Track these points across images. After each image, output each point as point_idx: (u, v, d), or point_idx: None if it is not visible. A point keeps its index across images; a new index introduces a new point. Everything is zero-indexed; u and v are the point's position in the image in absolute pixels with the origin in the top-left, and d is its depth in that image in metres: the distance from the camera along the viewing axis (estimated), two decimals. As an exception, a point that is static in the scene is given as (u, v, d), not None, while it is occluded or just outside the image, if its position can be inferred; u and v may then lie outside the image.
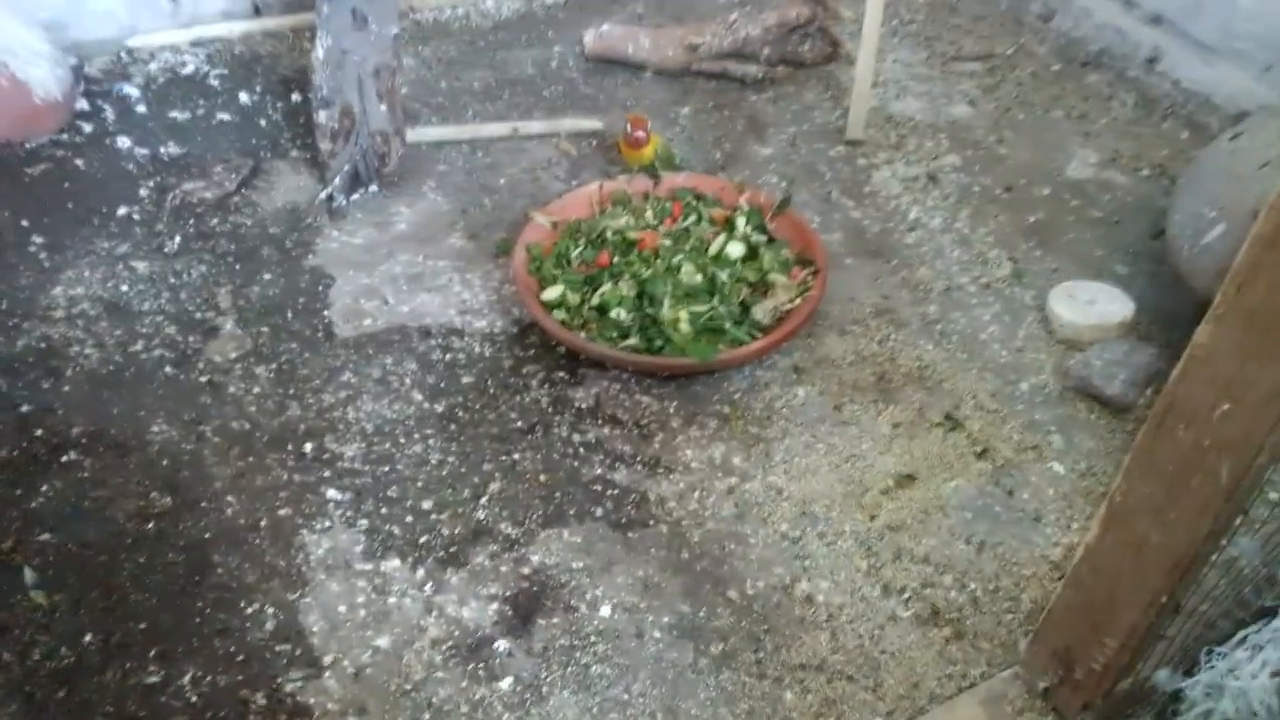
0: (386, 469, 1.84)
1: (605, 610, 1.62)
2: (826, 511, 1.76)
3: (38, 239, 2.31)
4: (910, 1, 3.24)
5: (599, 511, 1.77)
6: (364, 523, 1.75)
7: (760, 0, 3.23)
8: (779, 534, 1.73)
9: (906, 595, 1.63)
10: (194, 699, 1.51)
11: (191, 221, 2.37)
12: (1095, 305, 2.07)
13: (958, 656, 1.56)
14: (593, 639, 1.58)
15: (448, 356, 2.07)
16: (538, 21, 3.15)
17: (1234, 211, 1.82)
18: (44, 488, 1.79)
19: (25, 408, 1.93)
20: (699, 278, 2.05)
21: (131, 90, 2.79)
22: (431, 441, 1.90)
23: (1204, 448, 0.99)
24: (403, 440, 1.90)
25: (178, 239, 2.32)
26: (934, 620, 1.60)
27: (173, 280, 2.21)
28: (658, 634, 1.59)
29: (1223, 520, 1.02)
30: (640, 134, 2.34)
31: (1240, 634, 1.27)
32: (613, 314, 2.01)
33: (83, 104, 2.72)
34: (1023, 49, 3.00)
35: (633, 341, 1.98)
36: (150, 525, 1.74)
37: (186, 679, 1.53)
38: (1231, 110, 2.56)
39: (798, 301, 2.04)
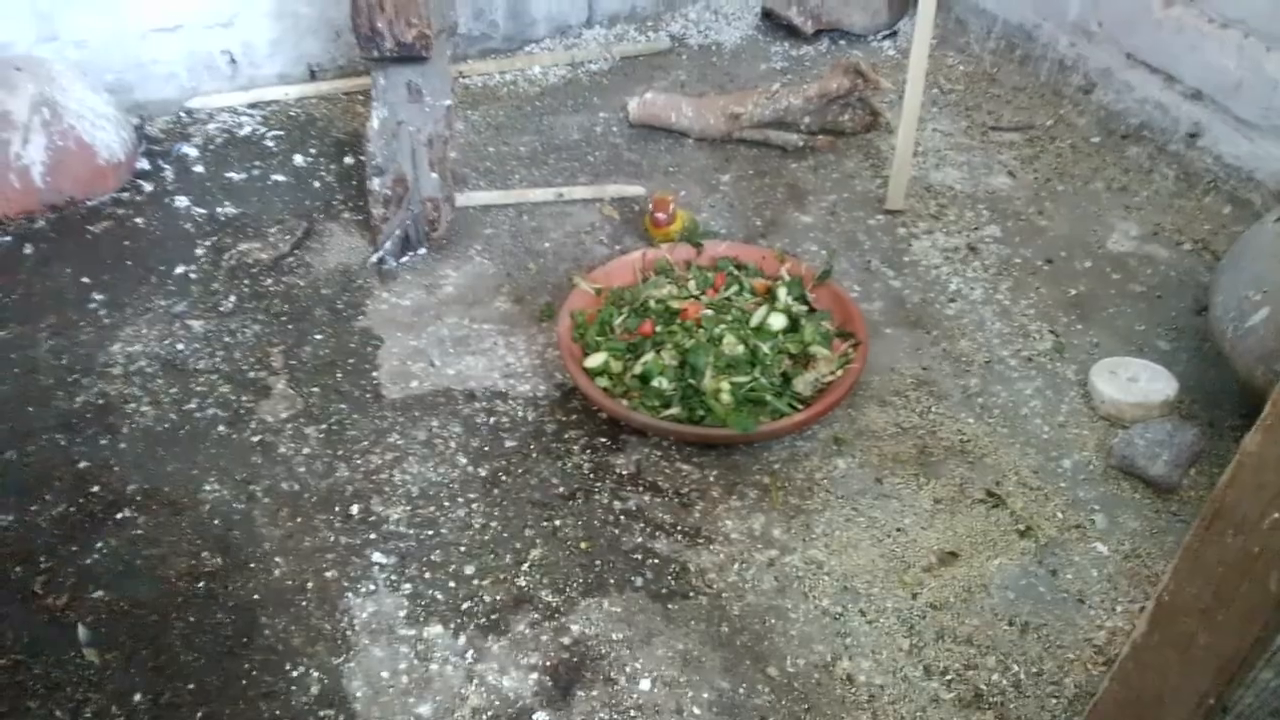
0: (430, 533, 1.87)
1: (645, 684, 1.63)
2: (868, 588, 1.77)
3: (98, 296, 2.39)
4: (950, 71, 3.28)
5: (639, 581, 1.79)
6: (408, 587, 1.78)
7: (802, 70, 3.29)
8: (820, 609, 1.73)
9: (949, 677, 1.63)
10: (239, 763, 1.53)
11: (246, 281, 2.44)
12: (1138, 383, 2.07)
13: (1000, 742, 1.55)
14: (632, 713, 1.59)
15: (491, 420, 2.10)
16: (583, 88, 3.22)
17: (1279, 295, 1.82)
18: (99, 544, 1.84)
19: (83, 464, 1.99)
20: (741, 349, 2.07)
21: (190, 150, 2.89)
22: (475, 505, 1.92)
23: (1253, 554, 0.99)
24: (447, 504, 1.93)
25: (233, 298, 2.39)
26: (976, 703, 1.59)
27: (227, 339, 2.28)
28: (697, 710, 1.59)
29: (1272, 627, 1.02)
30: (662, 215, 2.38)
31: (1290, 732, 1.26)
32: (655, 383, 2.04)
33: (143, 163, 2.82)
34: (1062, 120, 3.03)
35: (674, 411, 2.00)
36: (201, 585, 1.78)
37: (232, 742, 1.55)
38: (1274, 186, 2.56)
39: (839, 373, 2.06)
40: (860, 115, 2.93)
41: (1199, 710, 1.13)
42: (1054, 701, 1.60)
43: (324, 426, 2.08)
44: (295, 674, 1.64)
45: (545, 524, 1.89)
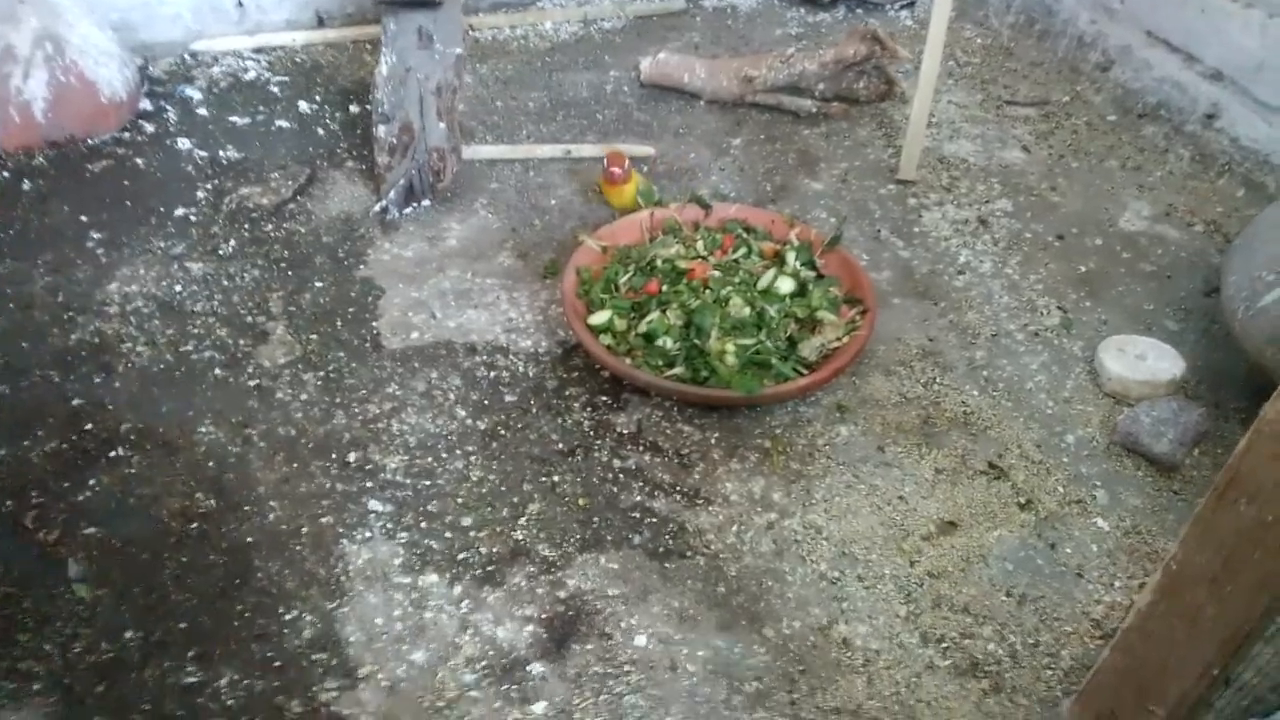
0: (428, 483, 1.86)
1: (640, 640, 1.62)
2: (866, 554, 1.76)
3: (96, 235, 2.36)
4: (967, 44, 3.24)
5: (636, 539, 1.78)
6: (404, 536, 1.76)
7: (818, 37, 3.25)
8: (817, 574, 1.72)
9: (945, 644, 1.62)
10: (230, 702, 1.51)
11: (247, 226, 2.40)
12: (1145, 361, 2.05)
13: (995, 710, 1.54)
14: (627, 668, 1.58)
15: (492, 374, 2.08)
16: (595, 45, 3.18)
17: (1294, 276, 1.80)
18: (91, 482, 1.82)
19: (76, 401, 1.96)
20: (747, 311, 2.05)
21: (194, 93, 2.85)
22: (473, 458, 1.91)
23: (1266, 524, 0.98)
24: (445, 455, 1.91)
25: (232, 242, 2.36)
26: (972, 671, 1.59)
27: (226, 283, 2.25)
28: (692, 668, 1.58)
29: (1282, 597, 1.01)
30: (617, 170, 2.33)
31: (1288, 708, 1.25)
32: (659, 342, 2.02)
33: (146, 104, 2.78)
34: (1079, 97, 2.99)
35: (678, 371, 1.98)
36: (194, 525, 1.76)
37: (224, 681, 1.54)
38: (1290, 170, 2.54)
39: (845, 340, 2.04)
40: (875, 84, 2.89)
41: (1202, 681, 1.12)
42: (1050, 673, 1.59)
43: (322, 374, 2.06)
44: (289, 617, 1.63)
45: (544, 479, 1.87)
